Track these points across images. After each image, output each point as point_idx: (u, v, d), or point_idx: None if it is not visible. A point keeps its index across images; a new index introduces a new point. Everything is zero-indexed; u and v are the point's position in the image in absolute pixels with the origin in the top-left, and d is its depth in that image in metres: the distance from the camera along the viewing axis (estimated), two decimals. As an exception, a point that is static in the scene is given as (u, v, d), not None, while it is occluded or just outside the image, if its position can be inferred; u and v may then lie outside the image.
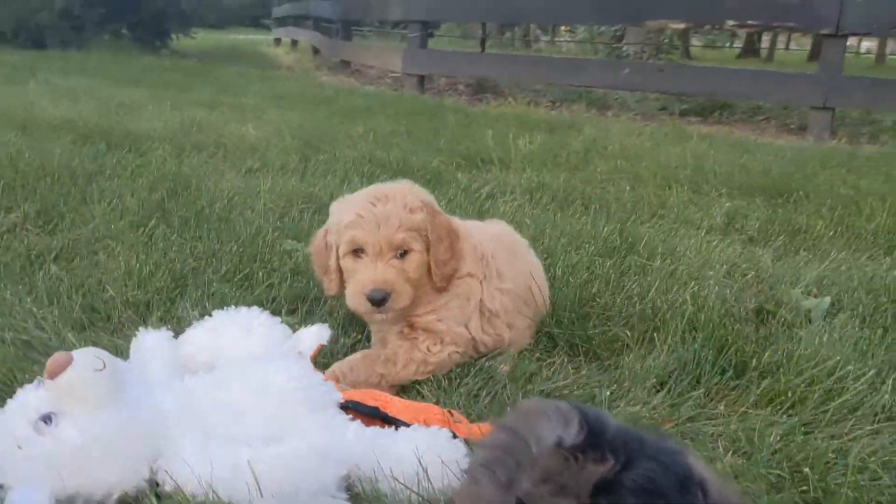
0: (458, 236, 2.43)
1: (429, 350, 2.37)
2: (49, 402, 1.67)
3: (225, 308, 2.20)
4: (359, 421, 1.81)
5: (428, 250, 2.35)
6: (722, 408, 2.11)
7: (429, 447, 1.72)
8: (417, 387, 2.30)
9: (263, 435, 1.71)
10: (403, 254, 2.31)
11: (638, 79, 9.35)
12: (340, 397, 1.87)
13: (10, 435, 1.65)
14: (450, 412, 2.05)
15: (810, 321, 2.67)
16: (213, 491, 1.59)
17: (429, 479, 1.65)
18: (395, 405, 2.01)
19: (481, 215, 3.43)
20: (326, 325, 2.23)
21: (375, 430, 1.80)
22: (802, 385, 2.12)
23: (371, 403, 1.97)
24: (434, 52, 11.20)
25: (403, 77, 11.13)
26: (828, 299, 2.76)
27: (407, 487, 1.65)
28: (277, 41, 24.91)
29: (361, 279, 2.27)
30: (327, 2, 16.94)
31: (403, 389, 2.30)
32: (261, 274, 2.73)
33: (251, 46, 22.47)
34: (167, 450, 1.70)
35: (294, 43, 22.06)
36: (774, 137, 8.31)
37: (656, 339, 2.39)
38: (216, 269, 2.81)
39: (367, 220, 2.28)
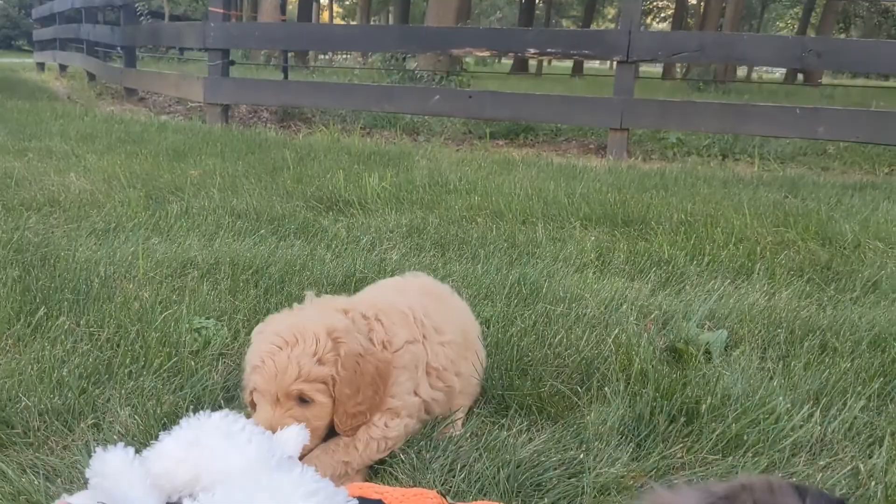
0: (384, 380, 2.31)
1: (386, 426, 2.34)
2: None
3: (185, 416, 2.03)
4: (387, 527, 1.75)
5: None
6: (681, 454, 2.27)
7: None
8: (390, 469, 2.26)
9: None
10: (306, 401, 2.19)
11: (448, 105, 9.64)
12: (356, 502, 1.80)
13: None
14: (441, 493, 2.04)
15: (709, 353, 2.92)
16: None
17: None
18: (392, 495, 1.97)
19: (383, 274, 3.41)
20: (303, 425, 2.12)
21: (405, 536, 1.76)
22: (748, 426, 2.32)
23: (374, 497, 1.92)
24: (239, 81, 10.87)
25: (205, 106, 10.69)
26: (724, 332, 3.03)
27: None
28: (41, 66, 22.95)
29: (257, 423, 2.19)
30: (105, 26, 15.87)
31: (376, 474, 2.25)
32: (192, 363, 2.54)
33: (11, 73, 20.51)
34: None
35: (63, 68, 20.43)
36: (577, 158, 8.92)
37: (607, 392, 2.51)
38: (131, 358, 2.58)
39: (266, 369, 2.17)
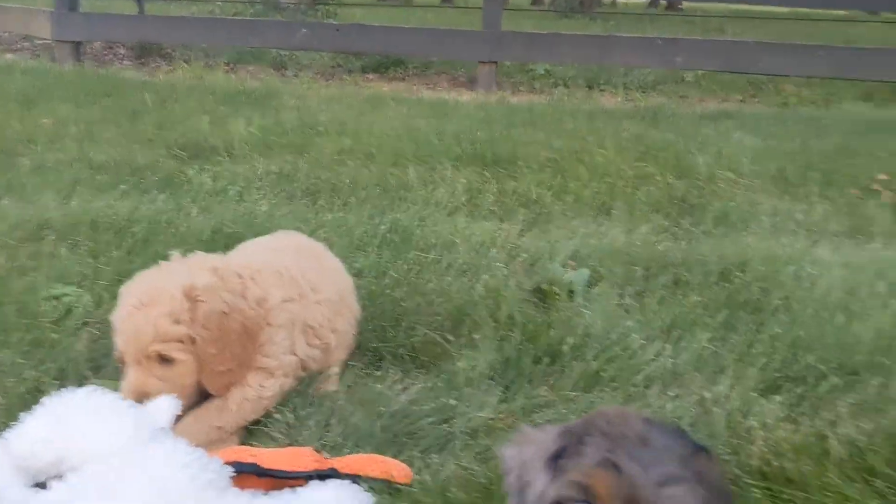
0: (252, 337, 2.30)
1: (261, 386, 2.36)
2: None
3: (51, 391, 1.99)
4: (261, 490, 1.78)
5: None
6: (546, 394, 2.40)
7: (338, 500, 1.77)
8: (265, 429, 2.28)
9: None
10: (169, 360, 2.18)
11: (315, 39, 9.41)
12: (230, 470, 1.83)
13: None
14: (316, 450, 2.10)
15: (573, 293, 3.07)
16: None
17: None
18: (267, 456, 2.01)
19: (253, 227, 3.37)
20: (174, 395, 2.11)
21: (279, 498, 1.80)
22: (606, 363, 2.48)
23: (249, 460, 1.96)
24: (90, 16, 10.18)
25: (55, 44, 10.00)
26: (586, 271, 3.18)
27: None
28: None
29: (122, 386, 2.16)
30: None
31: (251, 434, 2.28)
32: (53, 335, 2.46)
33: None
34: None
35: None
36: (448, 91, 8.95)
37: (477, 339, 2.61)
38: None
39: (124, 331, 2.17)
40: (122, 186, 4.02)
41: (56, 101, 6.34)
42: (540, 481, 1.35)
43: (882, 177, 4.83)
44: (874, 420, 2.19)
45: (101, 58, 10.71)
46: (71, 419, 1.88)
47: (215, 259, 2.45)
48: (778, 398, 2.30)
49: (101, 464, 1.75)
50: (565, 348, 2.54)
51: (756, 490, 1.90)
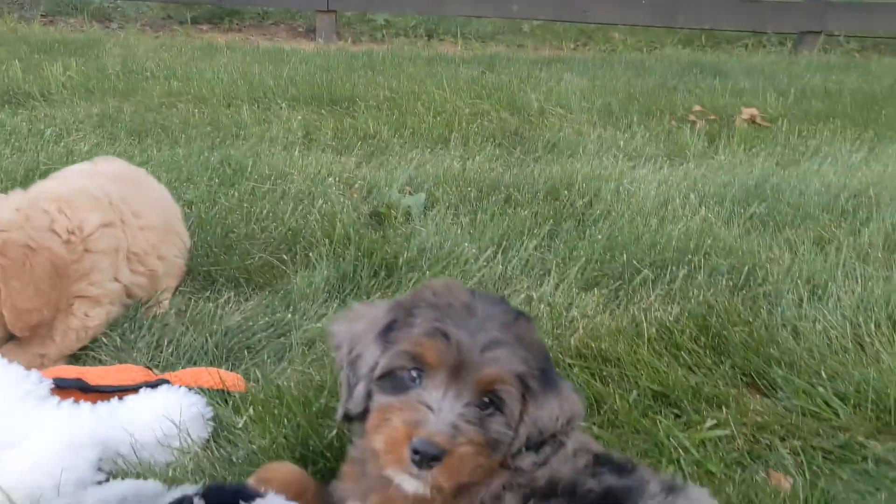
0: (62, 276, 2.17)
1: (86, 315, 2.27)
2: None
3: None
4: (88, 402, 1.73)
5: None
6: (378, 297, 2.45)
7: (172, 406, 1.75)
8: (93, 353, 2.21)
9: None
10: None
11: (142, -13, 8.96)
12: (49, 382, 1.76)
13: None
14: (148, 367, 2.05)
15: (410, 215, 3.13)
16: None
17: (189, 434, 1.69)
18: (93, 373, 1.95)
19: (70, 160, 3.20)
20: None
21: (107, 406, 1.75)
22: (440, 272, 2.55)
23: (73, 376, 1.89)
24: None
25: None
26: (423, 195, 3.24)
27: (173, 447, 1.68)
28: None
29: None
30: None
31: (77, 360, 2.20)
32: None
33: None
34: None
35: None
36: (286, 42, 8.76)
37: (312, 258, 2.61)
38: None
39: None
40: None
41: None
42: (371, 353, 1.40)
43: (697, 108, 5.18)
44: (681, 304, 2.38)
45: None
46: None
47: (15, 197, 2.29)
48: (597, 292, 2.45)
49: None
50: (400, 261, 2.59)
51: (576, 368, 2.02)
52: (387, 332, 1.40)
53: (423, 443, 1.25)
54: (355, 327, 1.46)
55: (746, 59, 7.87)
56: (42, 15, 9.43)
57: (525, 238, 2.80)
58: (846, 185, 3.53)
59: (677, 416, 1.94)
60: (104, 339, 2.23)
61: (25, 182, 3.00)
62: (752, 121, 4.98)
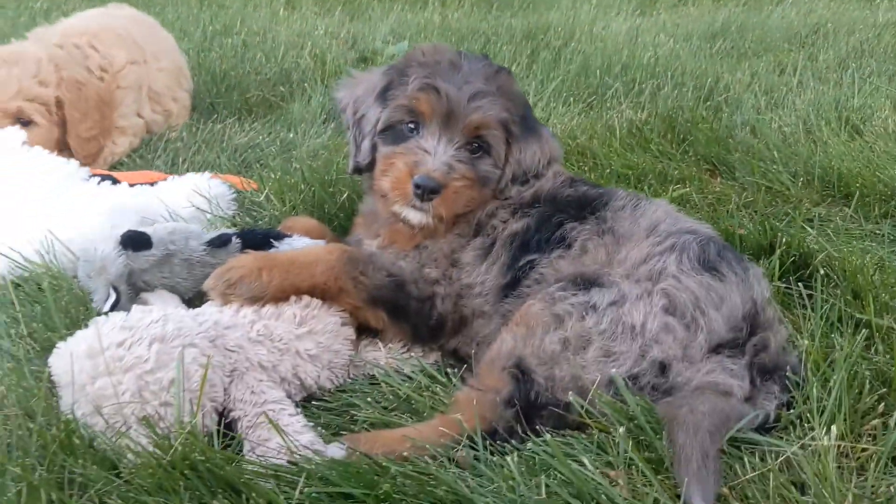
0: (109, 105, 2.39)
1: (114, 143, 2.46)
2: None
3: None
4: (126, 182, 1.94)
5: (63, 124, 2.27)
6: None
7: (200, 186, 1.95)
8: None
9: (56, 211, 1.78)
10: (27, 123, 2.19)
11: None
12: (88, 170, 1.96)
13: None
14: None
15: (395, 58, 3.29)
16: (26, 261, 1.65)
17: (219, 205, 1.91)
18: (121, 175, 2.16)
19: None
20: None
21: (142, 187, 1.96)
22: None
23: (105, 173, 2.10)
24: None
25: None
26: (405, 43, 3.40)
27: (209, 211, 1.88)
28: None
29: None
30: None
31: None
32: None
33: None
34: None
35: None
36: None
37: (308, 88, 2.80)
38: None
39: None
40: None
41: None
42: (373, 112, 1.62)
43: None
44: (650, 110, 2.60)
45: None
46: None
47: (50, 31, 2.45)
48: (572, 102, 2.67)
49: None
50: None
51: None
52: (384, 92, 1.60)
53: (423, 178, 1.47)
54: (357, 91, 1.67)
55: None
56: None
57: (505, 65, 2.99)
58: (806, 22, 3.73)
59: (648, 189, 2.18)
60: (125, 160, 2.42)
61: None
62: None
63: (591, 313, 1.31)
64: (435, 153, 1.51)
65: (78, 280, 1.56)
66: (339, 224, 1.86)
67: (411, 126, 1.55)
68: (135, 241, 1.50)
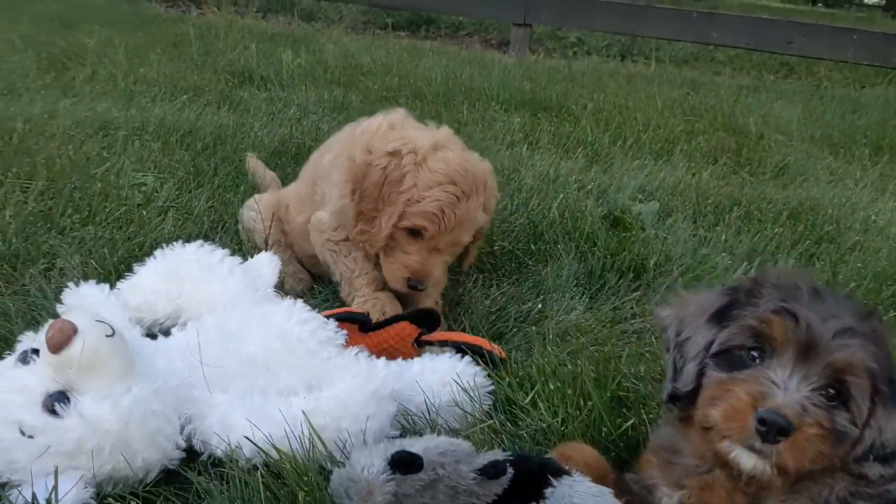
0: None
1: None
2: (56, 379, 1.43)
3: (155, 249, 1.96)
4: (383, 358, 1.76)
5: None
6: (632, 306, 2.38)
7: (458, 372, 1.76)
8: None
9: (302, 385, 1.63)
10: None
11: (348, -10, 9.36)
12: (345, 332, 1.81)
13: (9, 423, 1.39)
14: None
15: (642, 224, 3.05)
16: (273, 448, 1.49)
17: (479, 401, 1.70)
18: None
19: (319, 140, 3.34)
20: (272, 252, 2.10)
21: (397, 363, 1.78)
22: (693, 280, 2.47)
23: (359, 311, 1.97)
24: (122, -48, 10.07)
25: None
26: (656, 204, 3.16)
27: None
28: None
29: (403, 262, 2.10)
30: None
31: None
32: (144, 213, 2.43)
33: None
34: (197, 413, 1.55)
35: None
36: (481, 52, 8.87)
37: (560, 249, 2.59)
38: (74, 209, 2.45)
39: (447, 218, 2.05)
40: (182, 97, 3.99)
41: (95, 26, 6.28)
42: (703, 334, 1.35)
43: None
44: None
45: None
46: (185, 273, 1.87)
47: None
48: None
49: (221, 314, 1.74)
50: (650, 264, 2.53)
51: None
52: (721, 314, 1.36)
53: (772, 413, 1.19)
54: (685, 311, 1.43)
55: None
56: (255, 11, 10.02)
57: (780, 255, 2.67)
58: None
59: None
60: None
61: (281, 151, 3.18)
62: None
63: None
64: (786, 388, 1.22)
65: (330, 490, 1.37)
66: (616, 454, 1.59)
67: (755, 353, 1.29)
68: (405, 464, 1.30)
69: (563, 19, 9.14)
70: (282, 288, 2.20)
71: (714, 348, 1.32)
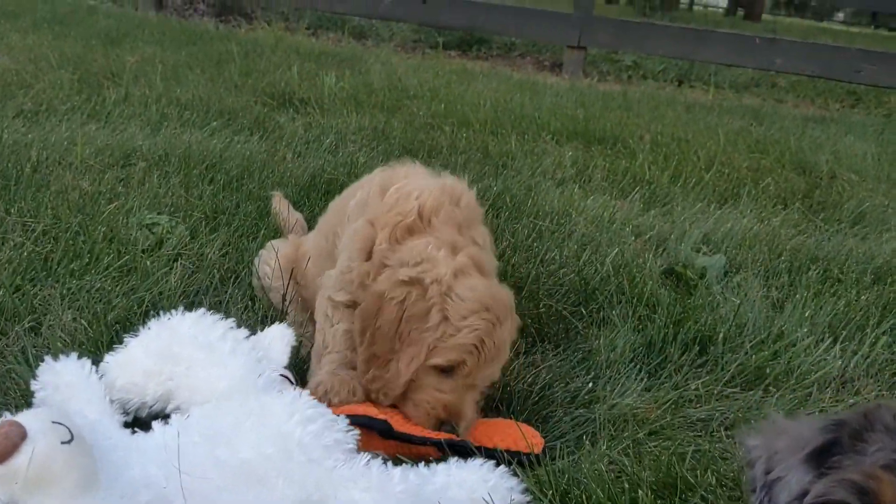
0: None
1: None
2: (1, 492, 1.18)
3: (156, 317, 1.71)
4: (399, 468, 1.48)
5: None
6: (696, 386, 2.07)
7: (486, 486, 1.47)
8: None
9: (301, 500, 1.35)
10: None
11: (400, 9, 9.15)
12: (357, 433, 1.53)
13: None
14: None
15: (704, 278, 2.73)
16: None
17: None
18: (397, 418, 1.74)
19: (353, 176, 3.08)
20: (285, 324, 1.82)
21: (416, 474, 1.50)
22: (770, 359, 2.14)
23: (380, 417, 1.68)
24: (174, -33, 10.04)
25: (138, -8, 9.87)
26: (723, 258, 2.84)
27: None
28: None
29: (441, 400, 1.75)
30: None
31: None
32: (147, 263, 2.19)
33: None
34: (173, 536, 1.28)
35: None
36: (533, 74, 8.59)
37: (615, 317, 2.28)
38: (73, 254, 2.22)
39: (486, 350, 1.74)
40: (213, 123, 3.78)
41: (140, 42, 6.16)
42: (797, 478, 1.07)
43: None
44: None
45: (182, 11, 10.58)
46: (180, 352, 1.61)
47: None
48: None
49: (212, 407, 1.48)
50: (719, 337, 2.20)
51: None
52: (821, 455, 1.07)
53: None
54: (777, 443, 1.13)
55: None
56: (305, 27, 9.90)
57: (867, 332, 2.32)
58: None
59: None
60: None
61: (310, 187, 2.94)
62: None
63: None
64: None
65: None
66: None
67: (859, 512, 0.99)
68: None
69: (619, 42, 8.83)
70: (297, 354, 1.93)
71: (809, 499, 1.03)
